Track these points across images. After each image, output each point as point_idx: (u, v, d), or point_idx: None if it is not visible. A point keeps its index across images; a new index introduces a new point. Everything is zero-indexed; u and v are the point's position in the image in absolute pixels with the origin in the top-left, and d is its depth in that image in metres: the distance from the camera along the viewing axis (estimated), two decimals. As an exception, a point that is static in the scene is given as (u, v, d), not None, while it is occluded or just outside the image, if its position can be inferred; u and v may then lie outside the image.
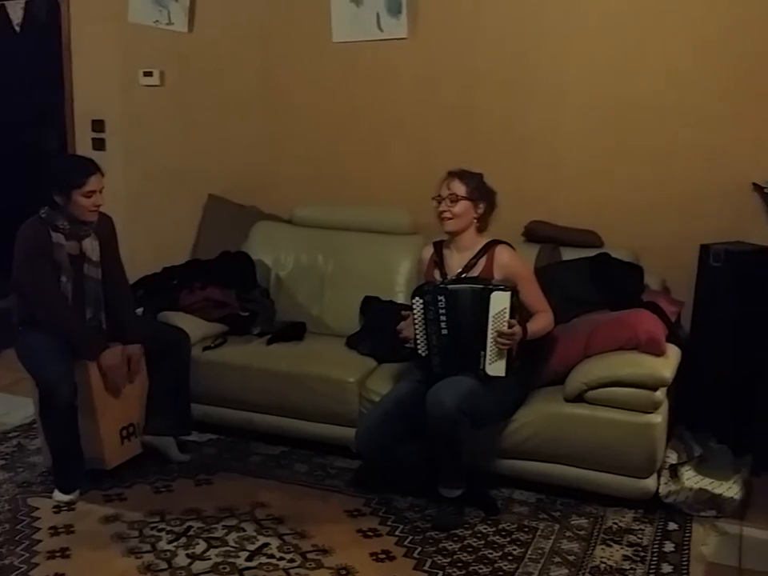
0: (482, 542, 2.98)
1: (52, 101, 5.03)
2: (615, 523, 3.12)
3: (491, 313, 3.06)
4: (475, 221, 3.27)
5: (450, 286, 3.15)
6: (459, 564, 2.84)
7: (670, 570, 2.83)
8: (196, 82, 4.65)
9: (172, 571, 2.77)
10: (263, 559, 2.85)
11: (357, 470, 3.47)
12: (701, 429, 3.51)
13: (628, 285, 3.63)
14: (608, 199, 3.96)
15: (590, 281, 3.65)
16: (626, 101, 3.88)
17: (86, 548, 2.91)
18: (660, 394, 3.14)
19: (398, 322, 3.30)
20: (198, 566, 2.81)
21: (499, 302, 3.05)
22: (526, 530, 3.07)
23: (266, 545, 2.93)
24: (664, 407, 3.20)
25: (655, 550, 2.95)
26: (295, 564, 2.82)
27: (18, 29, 4.94)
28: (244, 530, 3.03)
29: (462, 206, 3.22)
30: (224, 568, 2.80)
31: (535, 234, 3.95)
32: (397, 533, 3.03)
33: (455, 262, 3.29)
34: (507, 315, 3.05)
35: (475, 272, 3.24)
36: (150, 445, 3.51)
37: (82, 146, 4.93)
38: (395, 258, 4.07)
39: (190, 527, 3.04)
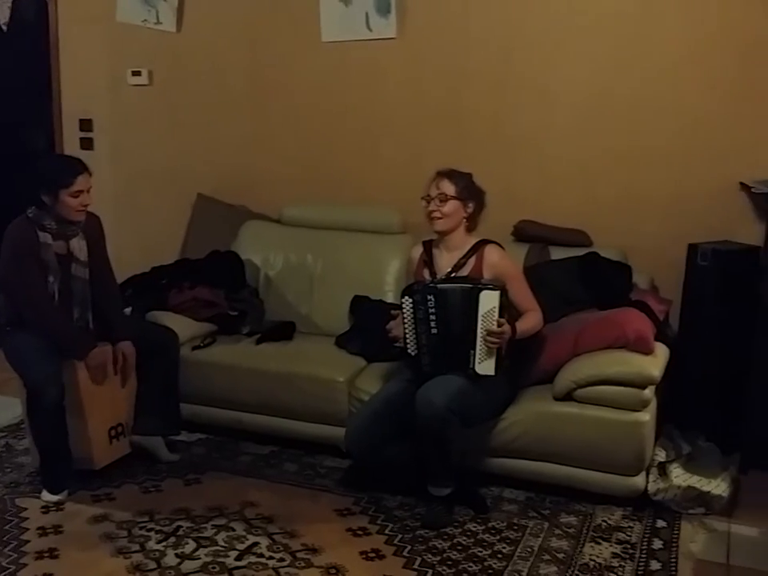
0: (472, 540, 2.99)
1: (40, 100, 5.00)
2: (604, 521, 3.14)
3: (480, 312, 3.06)
4: (464, 220, 3.28)
5: (439, 286, 3.16)
6: (449, 562, 2.84)
7: (659, 567, 2.84)
8: (184, 81, 4.64)
9: (161, 571, 2.76)
10: (253, 558, 2.84)
11: (346, 470, 3.47)
12: (689, 427, 3.53)
13: (616, 284, 3.64)
14: (597, 199, 3.97)
15: (579, 280, 3.67)
16: (614, 101, 3.90)
17: (75, 548, 2.89)
18: (648, 392, 3.15)
19: (388, 322, 3.31)
20: (188, 565, 2.80)
21: (488, 301, 3.06)
22: (516, 528, 3.08)
23: (255, 544, 2.93)
24: (652, 405, 3.21)
25: (644, 547, 2.97)
26: (285, 563, 2.82)
27: (4, 28, 4.93)
28: (233, 530, 3.02)
29: (451, 206, 3.22)
30: (213, 567, 2.79)
31: (524, 233, 3.96)
32: (386, 531, 3.03)
33: (445, 261, 3.29)
34: (496, 314, 3.06)
35: (465, 271, 3.24)
36: (139, 445, 3.50)
37: (70, 145, 4.91)
38: (384, 258, 4.07)
39: (179, 527, 3.03)
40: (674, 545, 2.98)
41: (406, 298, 3.17)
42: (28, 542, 2.93)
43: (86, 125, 4.90)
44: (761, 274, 3.47)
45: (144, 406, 3.47)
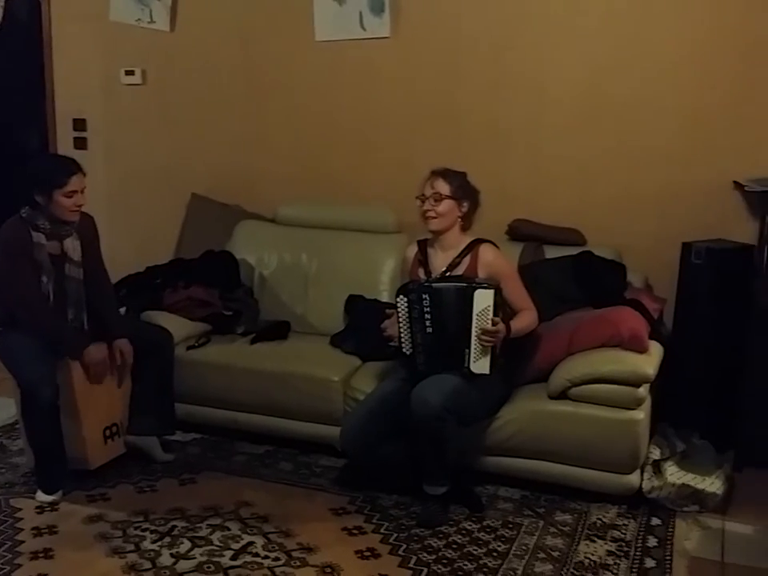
0: (467, 538, 2.99)
1: (33, 100, 4.99)
2: (599, 519, 3.14)
3: (475, 311, 3.07)
4: (459, 220, 3.28)
5: (434, 285, 3.16)
6: (444, 561, 2.84)
7: (654, 565, 2.85)
8: (178, 80, 4.64)
9: (156, 571, 2.76)
10: (248, 558, 2.84)
11: (342, 469, 3.47)
12: (683, 425, 3.54)
13: (611, 282, 3.65)
14: (591, 198, 3.98)
15: (573, 279, 3.67)
16: (607, 101, 3.90)
17: (70, 548, 2.89)
18: (643, 390, 3.16)
19: (383, 321, 3.31)
20: (183, 565, 2.80)
21: (483, 299, 3.06)
22: (511, 526, 3.08)
23: (250, 543, 2.93)
24: (647, 403, 3.22)
25: (639, 545, 2.97)
26: (280, 562, 2.82)
27: (-3, 27, 4.90)
28: (229, 529, 3.02)
29: (445, 205, 3.22)
30: (209, 567, 2.79)
31: (519, 232, 3.97)
32: (382, 530, 3.03)
33: (439, 260, 3.30)
34: (491, 313, 3.06)
35: (459, 270, 3.24)
36: (134, 445, 3.49)
37: (64, 145, 4.90)
38: (379, 257, 4.07)
39: (174, 527, 3.03)
40: (668, 542, 2.99)
41: (401, 297, 3.17)
42: (23, 542, 2.92)
43: (79, 124, 4.89)
44: (754, 272, 3.48)
45: (139, 405, 3.47)
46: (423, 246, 3.37)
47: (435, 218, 3.23)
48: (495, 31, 4.02)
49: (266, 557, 2.85)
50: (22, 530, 3.00)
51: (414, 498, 3.20)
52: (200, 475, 3.44)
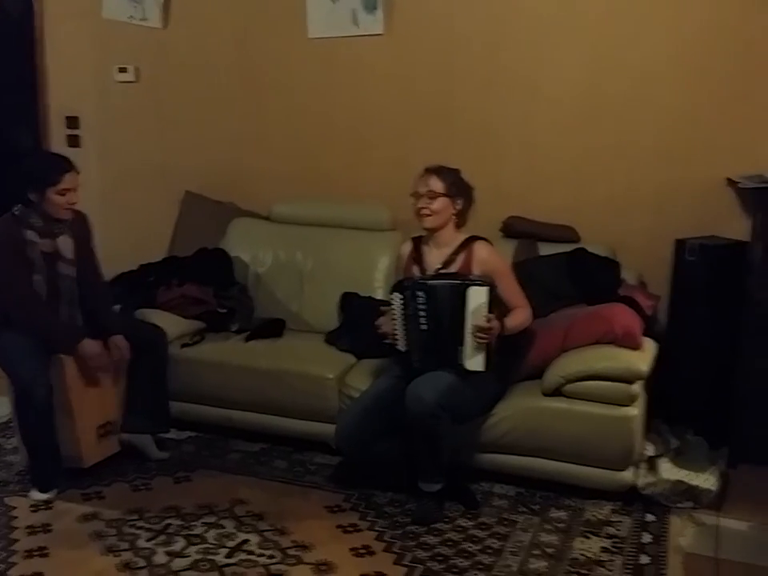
0: (462, 535, 2.99)
1: (26, 97, 4.97)
2: (594, 515, 3.15)
3: (469, 308, 3.07)
4: (454, 217, 3.28)
5: (429, 282, 3.16)
6: (439, 558, 2.84)
7: (648, 561, 2.86)
8: (171, 77, 4.62)
9: (151, 569, 2.76)
10: (243, 556, 2.84)
11: (336, 466, 3.47)
12: (677, 421, 3.55)
13: (605, 279, 3.66)
14: (585, 195, 3.98)
15: (568, 276, 3.68)
16: (601, 99, 3.91)
17: (64, 547, 2.88)
18: (636, 387, 3.17)
19: (377, 318, 3.30)
20: (178, 563, 2.79)
21: (477, 296, 3.06)
22: (506, 523, 3.09)
23: (245, 541, 2.92)
24: (641, 400, 3.23)
25: (633, 541, 2.98)
26: (275, 560, 2.82)
27: (-10, 24, 4.89)
28: (223, 527, 3.02)
29: (440, 203, 3.22)
30: (203, 565, 2.79)
31: (513, 229, 3.97)
32: (377, 528, 3.03)
33: (434, 257, 3.29)
34: (485, 310, 3.06)
35: (454, 268, 3.24)
36: (128, 443, 3.49)
37: (57, 143, 4.88)
38: (374, 254, 4.06)
39: (168, 525, 3.02)
40: (663, 539, 3.00)
41: (396, 294, 3.17)
42: (17, 540, 2.91)
43: (72, 122, 4.87)
44: (748, 268, 3.48)
45: (133, 403, 3.46)
46: (418, 243, 3.37)
47: (430, 215, 3.23)
48: (489, 29, 4.02)
49: (261, 554, 2.85)
50: (17, 528, 2.99)
51: (408, 495, 3.20)
52: (195, 473, 3.44)
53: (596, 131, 3.94)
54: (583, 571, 2.79)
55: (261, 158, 4.51)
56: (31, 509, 3.13)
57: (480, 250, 3.25)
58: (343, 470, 3.41)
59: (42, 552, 2.84)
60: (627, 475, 3.20)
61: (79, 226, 3.38)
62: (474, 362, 3.10)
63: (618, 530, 3.05)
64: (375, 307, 3.47)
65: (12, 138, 5.25)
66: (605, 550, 2.92)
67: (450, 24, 4.07)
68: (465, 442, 3.25)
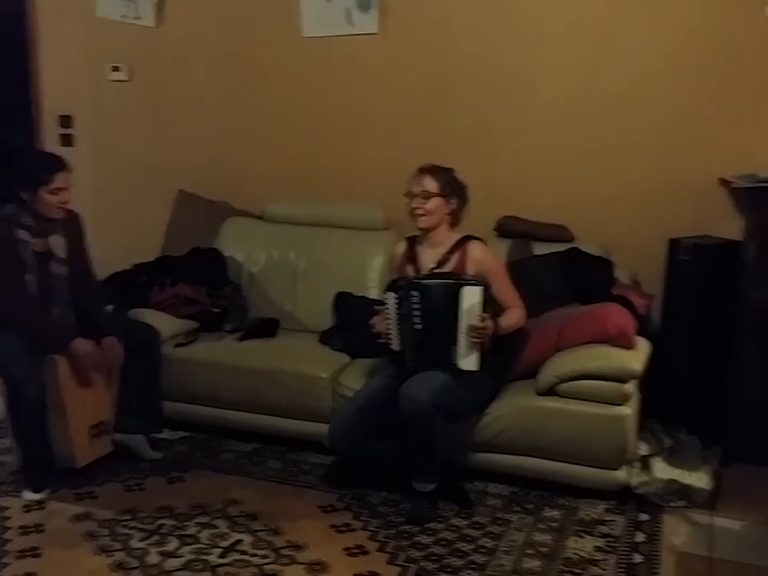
0: (456, 535, 2.99)
1: (19, 96, 4.95)
2: (587, 515, 3.15)
3: (463, 307, 3.07)
4: (448, 216, 3.28)
5: (423, 281, 3.15)
6: (433, 558, 2.84)
7: (641, 560, 2.86)
8: (165, 76, 4.61)
9: (144, 569, 2.75)
10: (236, 556, 2.83)
11: (330, 466, 3.46)
12: (671, 420, 3.55)
13: (598, 279, 3.66)
14: (578, 195, 3.98)
15: (561, 275, 3.68)
16: (595, 99, 3.91)
17: (57, 547, 2.88)
18: (630, 386, 3.17)
19: (371, 317, 3.30)
20: (170, 563, 2.79)
21: (471, 296, 3.06)
22: (500, 522, 3.08)
23: (238, 541, 2.92)
24: (634, 399, 3.24)
25: (627, 540, 2.98)
26: (268, 560, 2.81)
27: (-18, 23, 4.87)
28: (217, 527, 3.01)
29: (434, 203, 3.22)
30: (197, 565, 2.78)
31: (507, 229, 3.97)
32: (370, 527, 3.03)
33: (428, 257, 3.29)
34: (479, 309, 3.06)
35: (448, 267, 3.24)
36: (121, 443, 3.48)
37: (50, 141, 4.87)
38: (368, 254, 4.06)
39: (162, 525, 3.02)
40: (656, 538, 3.00)
41: (390, 293, 3.16)
42: (10, 541, 2.90)
43: (65, 121, 4.86)
44: (741, 268, 3.49)
45: (126, 403, 3.45)
46: (412, 242, 3.36)
47: (424, 215, 3.22)
48: (483, 28, 4.02)
49: (255, 554, 2.84)
50: (9, 528, 2.98)
51: (402, 494, 3.20)
52: (188, 473, 3.43)
53: (590, 131, 3.94)
54: (576, 570, 2.79)
55: (254, 157, 4.50)
56: (24, 509, 3.12)
57: (474, 249, 3.25)
58: (337, 470, 3.41)
59: (34, 552, 2.83)
60: (621, 474, 3.20)
61: (72, 225, 3.37)
62: (468, 361, 3.10)
63: (612, 529, 3.05)
64: (369, 307, 3.47)
65: (5, 137, 5.24)
66: (598, 549, 2.92)
67: (445, 23, 4.07)
68: (459, 441, 3.24)
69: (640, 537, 3.01)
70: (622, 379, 3.15)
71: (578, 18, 3.88)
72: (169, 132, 4.65)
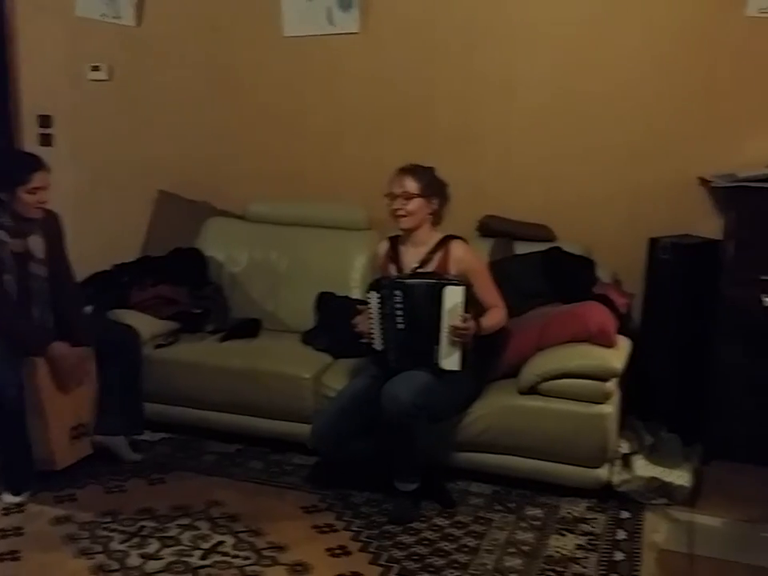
0: (438, 534, 2.99)
1: (-3, 96, 4.92)
2: (569, 513, 3.16)
3: (445, 307, 3.07)
4: (429, 216, 3.27)
5: (406, 281, 3.16)
6: (415, 557, 2.84)
7: (623, 558, 2.87)
8: (145, 76, 4.58)
9: (124, 571, 2.73)
10: (217, 557, 2.82)
11: (313, 467, 3.45)
12: (652, 418, 3.57)
13: (580, 278, 3.68)
14: (560, 194, 4.00)
15: (543, 274, 3.69)
16: (577, 100, 3.92)
17: (37, 550, 2.85)
18: (611, 384, 3.19)
19: (354, 316, 3.30)
20: (151, 565, 2.77)
21: (453, 296, 3.07)
22: (482, 521, 3.09)
23: (220, 543, 2.90)
24: (615, 398, 3.25)
25: (608, 538, 2.99)
26: (250, 561, 2.80)
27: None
28: (198, 529, 2.99)
29: (415, 204, 3.22)
30: (178, 567, 2.76)
31: (489, 228, 3.98)
32: (353, 528, 3.02)
33: (411, 257, 3.29)
34: (461, 309, 3.06)
35: (431, 267, 3.24)
36: (102, 445, 3.45)
37: (29, 142, 4.82)
38: (350, 254, 4.05)
39: (142, 527, 3.00)
40: (637, 535, 3.01)
41: (373, 292, 3.16)
42: (-12, 544, 2.88)
43: (45, 121, 4.82)
44: (720, 266, 3.51)
45: (106, 405, 3.42)
46: (394, 242, 3.36)
47: (405, 216, 3.22)
48: (466, 29, 4.02)
49: (236, 556, 2.83)
50: (-12, 532, 2.96)
51: (385, 494, 3.19)
52: (169, 475, 3.41)
53: (572, 132, 3.95)
54: (558, 568, 2.80)
55: (236, 157, 4.48)
56: (3, 512, 3.09)
57: (456, 249, 3.25)
58: (319, 471, 3.40)
59: (13, 555, 2.81)
60: (602, 472, 3.21)
61: (50, 225, 3.34)
62: (450, 361, 3.11)
63: (593, 527, 3.07)
64: (352, 307, 3.47)
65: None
66: (580, 547, 2.93)
67: (427, 22, 4.07)
68: (441, 441, 3.25)
69: (621, 534, 3.02)
70: (602, 378, 3.17)
71: (561, 20, 3.89)
72: (149, 131, 4.62)
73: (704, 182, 3.76)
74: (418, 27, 4.09)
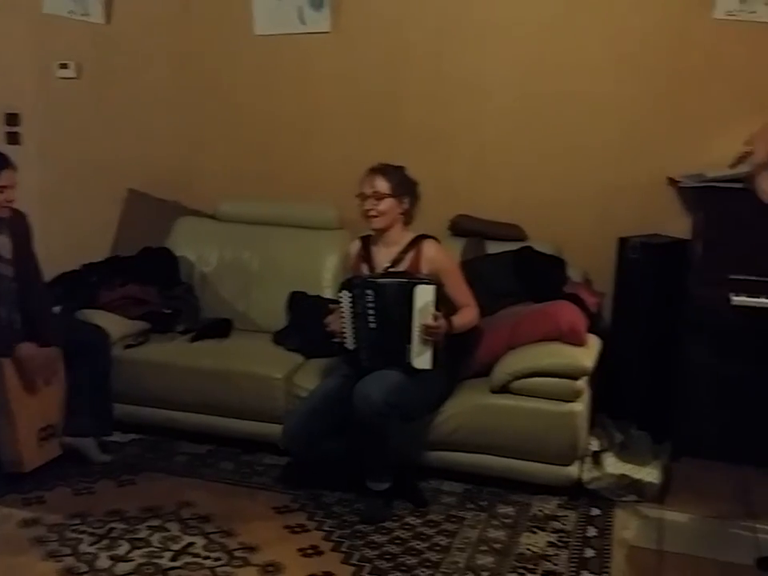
0: (410, 533, 2.99)
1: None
2: (540, 510, 3.18)
3: (417, 306, 3.07)
4: (401, 216, 3.28)
5: (378, 280, 3.15)
6: (387, 556, 2.84)
7: (593, 555, 2.89)
8: (114, 74, 4.54)
9: (93, 574, 2.70)
10: (188, 559, 2.79)
11: (284, 467, 3.44)
12: (621, 416, 3.60)
13: (551, 277, 3.70)
14: (531, 194, 4.02)
15: (514, 274, 3.71)
16: (545, 101, 3.94)
17: (4, 553, 2.81)
18: (581, 383, 3.21)
19: (326, 316, 3.29)
20: (121, 567, 2.74)
21: (424, 295, 3.07)
22: (454, 520, 3.09)
23: (191, 544, 2.88)
24: (585, 396, 3.27)
25: (579, 535, 3.01)
26: (221, 562, 2.78)
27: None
28: (168, 530, 2.97)
29: (386, 204, 3.22)
30: (148, 569, 2.73)
31: (461, 227, 3.99)
32: (325, 527, 3.01)
33: (383, 256, 3.29)
34: (432, 308, 3.07)
35: (403, 266, 3.25)
36: (70, 446, 3.41)
37: (-5, 140, 4.77)
38: (322, 254, 4.05)
39: (112, 529, 2.97)
40: (607, 532, 3.04)
41: (345, 291, 3.16)
42: (-46, 548, 2.84)
43: (12, 119, 4.75)
44: (688, 265, 3.55)
45: (74, 406, 3.39)
46: (366, 241, 3.36)
47: (377, 216, 3.22)
48: (436, 29, 4.03)
49: (207, 557, 2.81)
50: (-47, 535, 2.92)
51: (357, 494, 3.19)
52: (139, 476, 3.38)
53: (541, 133, 3.98)
54: (529, 566, 2.81)
55: (206, 156, 4.46)
56: (-31, 515, 3.05)
57: (428, 248, 3.26)
58: (291, 471, 3.39)
59: (-20, 559, 2.78)
60: (573, 470, 3.23)
61: (18, 224, 3.30)
62: (422, 360, 3.11)
63: (564, 524, 3.09)
64: (323, 306, 3.46)
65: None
66: (551, 544, 2.95)
67: (399, 23, 4.08)
68: (413, 440, 3.25)
69: (592, 531, 3.04)
70: (573, 376, 3.19)
71: (528, 21, 3.92)
72: (118, 130, 4.57)
73: (673, 182, 3.80)
74: (389, 27, 4.09)
